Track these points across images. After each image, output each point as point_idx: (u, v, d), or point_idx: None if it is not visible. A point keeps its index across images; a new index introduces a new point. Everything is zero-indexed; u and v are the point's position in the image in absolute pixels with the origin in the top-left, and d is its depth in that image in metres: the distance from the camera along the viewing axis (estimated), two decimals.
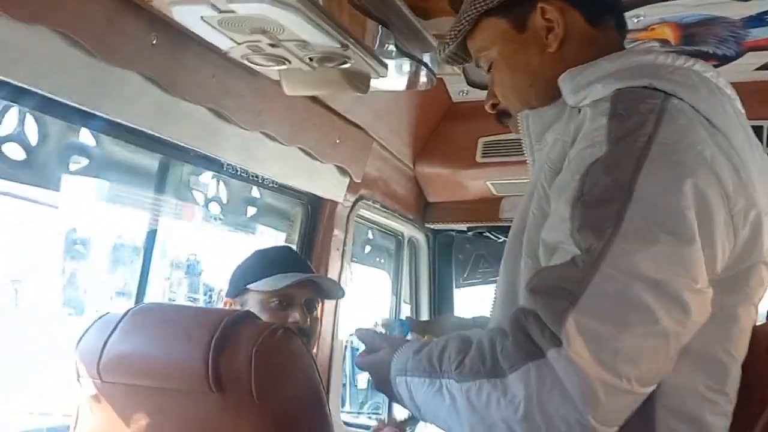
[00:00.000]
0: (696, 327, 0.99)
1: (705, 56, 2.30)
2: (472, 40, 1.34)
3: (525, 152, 1.33)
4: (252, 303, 1.85)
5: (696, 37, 2.22)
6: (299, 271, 1.91)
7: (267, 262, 1.91)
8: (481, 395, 1.01)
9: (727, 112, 1.11)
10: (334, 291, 2.01)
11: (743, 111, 1.18)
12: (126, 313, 1.34)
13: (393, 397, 1.20)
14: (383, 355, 1.22)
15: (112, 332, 1.30)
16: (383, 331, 1.58)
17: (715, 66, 2.29)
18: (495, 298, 1.27)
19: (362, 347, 1.32)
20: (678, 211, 0.96)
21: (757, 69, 2.36)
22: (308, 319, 1.89)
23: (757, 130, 2.34)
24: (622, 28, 1.30)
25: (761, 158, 1.15)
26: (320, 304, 1.99)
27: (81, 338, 1.32)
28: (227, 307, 1.87)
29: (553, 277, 0.99)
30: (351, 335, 2.78)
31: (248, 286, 1.86)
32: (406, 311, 3.54)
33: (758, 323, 1.20)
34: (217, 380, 1.18)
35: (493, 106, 1.37)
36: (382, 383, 1.21)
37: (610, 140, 1.02)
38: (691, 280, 0.96)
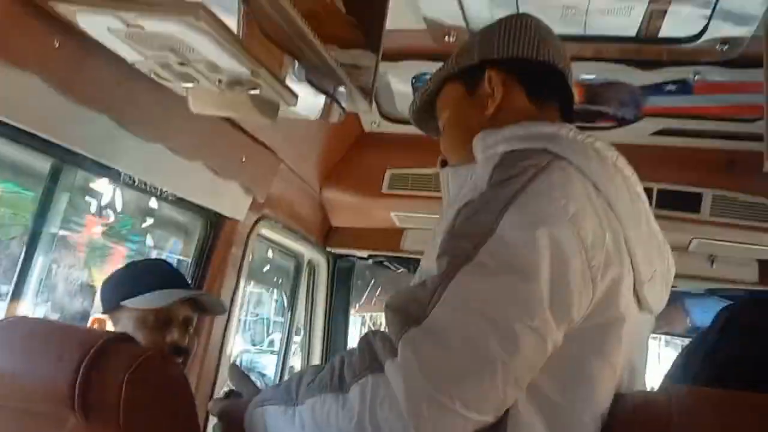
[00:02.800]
0: (530, 365, 1.02)
1: (605, 117, 2.40)
2: (437, 103, 1.46)
3: (443, 203, 1.41)
4: (126, 321, 1.74)
5: (598, 98, 2.32)
6: (177, 286, 1.83)
7: (141, 276, 1.80)
8: (324, 408, 1.06)
9: (615, 182, 1.17)
10: (215, 308, 1.96)
11: (639, 191, 1.25)
12: None
13: None
14: (244, 400, 1.27)
15: None
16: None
17: (614, 127, 2.43)
18: None
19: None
20: (524, 252, 1.03)
21: (653, 134, 2.47)
22: (186, 337, 1.82)
23: (647, 192, 2.42)
24: (568, 116, 1.38)
25: (648, 232, 1.23)
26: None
27: None
28: (95, 326, 1.74)
29: (405, 296, 1.07)
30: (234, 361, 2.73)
31: (122, 303, 1.74)
32: (299, 332, 3.52)
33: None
34: (84, 405, 1.14)
35: (442, 162, 1.44)
36: (233, 424, 1.25)
37: (489, 184, 1.10)
38: (526, 316, 1.01)
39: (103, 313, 1.77)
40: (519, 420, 1.04)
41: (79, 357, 1.15)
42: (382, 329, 1.09)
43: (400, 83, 2.56)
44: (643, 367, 1.29)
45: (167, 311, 1.77)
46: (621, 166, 1.22)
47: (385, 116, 2.80)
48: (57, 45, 1.42)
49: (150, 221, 2.41)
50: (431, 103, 1.48)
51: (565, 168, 1.12)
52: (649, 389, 1.26)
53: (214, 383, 2.51)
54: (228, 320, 2.55)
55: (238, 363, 6.27)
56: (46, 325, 1.29)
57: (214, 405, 1.36)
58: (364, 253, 3.39)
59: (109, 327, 1.75)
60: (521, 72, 1.35)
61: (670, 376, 1.26)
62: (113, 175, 1.94)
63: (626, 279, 1.13)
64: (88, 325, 1.76)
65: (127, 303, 1.74)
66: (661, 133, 2.47)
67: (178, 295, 1.76)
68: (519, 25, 1.38)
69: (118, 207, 2.19)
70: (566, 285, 1.04)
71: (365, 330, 3.60)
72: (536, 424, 1.05)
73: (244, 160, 2.30)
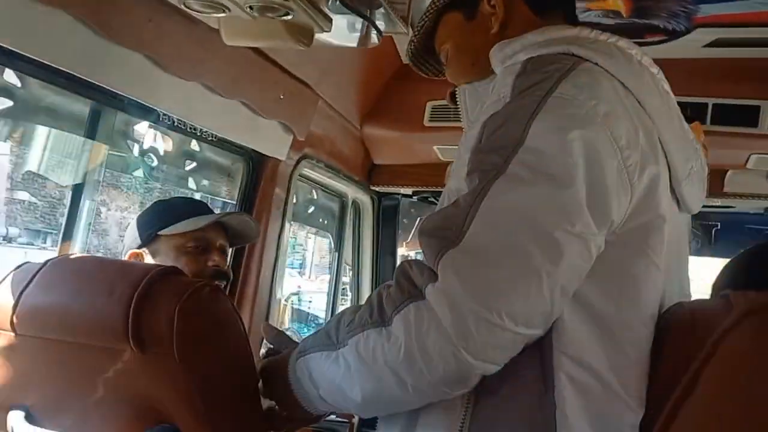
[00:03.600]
0: (575, 272, 1.01)
1: (655, 30, 2.29)
2: (436, 38, 1.43)
3: (463, 124, 1.37)
4: (166, 249, 1.77)
5: (647, 10, 2.21)
6: (203, 212, 1.85)
7: (172, 210, 1.82)
8: (368, 344, 1.04)
9: (643, 80, 1.15)
10: (249, 233, 1.96)
11: (667, 89, 1.22)
12: (45, 264, 1.28)
13: (284, 396, 1.20)
14: (282, 355, 1.24)
15: (29, 283, 1.24)
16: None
17: (665, 41, 2.32)
18: None
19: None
20: (559, 157, 1.00)
21: (706, 46, 2.36)
22: (226, 263, 1.86)
23: (702, 107, 2.35)
24: (573, 22, 1.32)
25: (681, 128, 1.21)
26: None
27: None
28: (134, 260, 1.76)
29: (438, 219, 1.04)
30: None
31: (160, 233, 1.77)
32: (347, 274, 3.53)
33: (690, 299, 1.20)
34: (138, 338, 1.14)
35: (451, 94, 1.40)
36: (275, 381, 1.22)
37: (512, 95, 1.06)
38: (567, 222, 0.98)
39: (140, 247, 1.78)
40: (566, 330, 1.03)
41: (130, 290, 1.15)
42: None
43: None
44: (686, 267, 1.28)
45: (205, 237, 1.79)
46: (647, 63, 1.19)
47: None
48: None
49: (192, 165, 2.39)
50: (429, 42, 1.45)
51: (590, 69, 1.08)
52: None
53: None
54: (275, 260, 2.56)
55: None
56: (95, 261, 1.30)
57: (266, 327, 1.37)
58: (409, 190, 3.37)
59: (148, 260, 1.76)
60: None
61: (718, 285, 1.27)
62: (153, 117, 1.93)
63: (663, 177, 1.10)
64: (125, 258, 1.77)
65: (164, 231, 1.77)
66: (714, 44, 2.34)
67: (214, 217, 1.79)
68: None
69: (161, 150, 2.17)
70: (604, 187, 1.01)
71: None
72: (584, 333, 1.03)
73: (282, 97, 2.27)
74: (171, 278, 1.21)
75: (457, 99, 1.37)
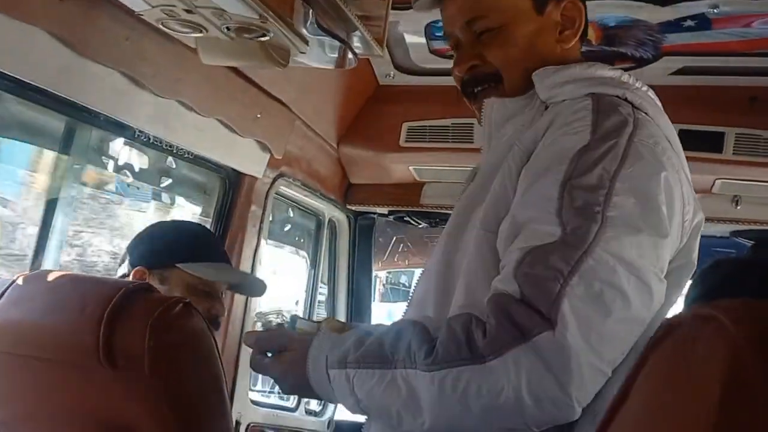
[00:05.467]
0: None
1: (623, 57, 2.35)
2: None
3: (482, 137, 1.35)
4: (176, 282, 1.74)
5: (616, 39, 2.27)
6: (222, 258, 1.86)
7: (192, 243, 1.81)
8: (459, 383, 1.00)
9: (672, 128, 1.21)
10: (255, 292, 1.97)
11: None
12: (16, 280, 1.28)
13: (317, 395, 1.17)
14: (295, 354, 1.18)
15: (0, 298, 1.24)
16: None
17: (633, 68, 2.38)
18: (422, 274, 1.30)
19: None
20: (657, 204, 1.04)
21: (672, 73, 2.42)
22: (224, 309, 1.87)
23: None
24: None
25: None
26: None
27: None
28: (136, 279, 1.72)
29: (543, 259, 1.00)
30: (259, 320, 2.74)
31: (178, 265, 1.74)
32: (323, 292, 3.53)
33: None
34: (109, 354, 1.14)
35: (471, 68, 1.31)
36: (299, 383, 1.17)
37: (595, 132, 1.08)
38: (660, 269, 1.04)
39: (150, 267, 1.75)
40: None
41: (101, 307, 1.15)
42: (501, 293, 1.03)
43: (413, 33, 2.52)
44: None
45: (215, 285, 1.79)
46: (658, 103, 1.25)
47: (398, 68, 2.76)
48: None
49: (168, 181, 2.40)
50: None
51: (649, 120, 1.13)
52: None
53: (239, 344, 2.53)
54: None
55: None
56: (69, 277, 1.29)
57: (248, 336, 1.31)
58: (385, 210, 3.38)
59: (153, 282, 1.70)
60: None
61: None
62: (129, 134, 1.94)
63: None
64: (131, 276, 1.74)
65: (187, 268, 1.74)
66: (680, 72, 2.41)
67: (240, 276, 1.78)
68: None
69: (136, 167, 2.18)
70: (676, 228, 1.09)
71: (381, 287, 3.60)
72: None
73: (259, 116, 2.28)
74: (143, 295, 1.21)
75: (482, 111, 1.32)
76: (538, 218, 1.04)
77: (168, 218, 2.51)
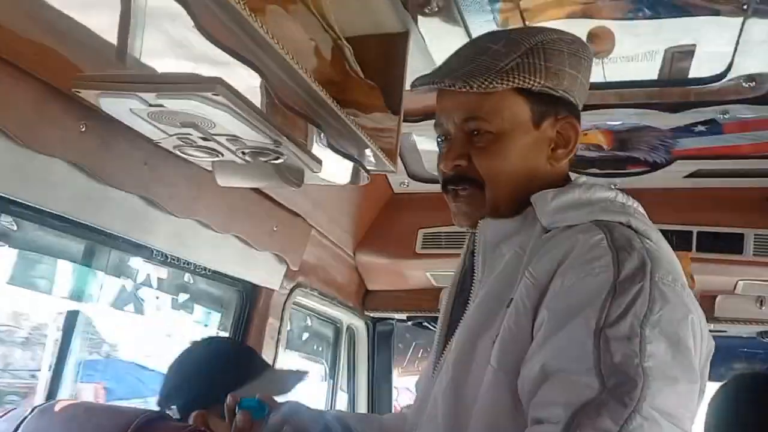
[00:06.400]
0: None
1: (636, 162, 2.37)
2: (479, 98, 1.22)
3: (475, 258, 1.29)
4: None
5: (628, 143, 2.29)
6: (264, 365, 1.84)
7: (239, 369, 1.68)
8: None
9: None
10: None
11: None
12: (32, 411, 1.27)
13: None
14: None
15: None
16: None
17: (646, 172, 2.40)
18: (423, 389, 1.28)
19: None
20: (687, 349, 1.03)
21: (687, 176, 2.43)
22: None
23: (687, 235, 2.39)
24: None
25: None
26: None
27: None
28: (198, 426, 1.41)
29: (590, 422, 0.96)
30: None
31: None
32: (343, 400, 3.46)
33: None
34: None
35: (456, 167, 1.27)
36: None
37: (618, 274, 1.05)
38: (694, 414, 1.04)
39: (207, 408, 1.48)
40: None
41: None
42: None
43: (425, 142, 2.57)
44: None
45: None
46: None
47: (413, 176, 2.80)
48: (83, 129, 1.45)
49: (186, 297, 2.40)
50: (468, 96, 1.22)
51: (657, 250, 1.11)
52: None
53: None
54: None
55: None
56: (84, 407, 1.28)
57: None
58: (403, 315, 3.36)
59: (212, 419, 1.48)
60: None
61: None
62: (147, 252, 1.95)
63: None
64: (191, 420, 1.44)
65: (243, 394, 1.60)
66: (694, 174, 2.43)
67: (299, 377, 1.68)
68: (587, 62, 1.29)
69: (154, 284, 2.19)
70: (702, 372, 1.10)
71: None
72: None
73: (275, 229, 2.31)
74: (158, 424, 1.20)
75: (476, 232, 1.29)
76: (573, 369, 1.00)
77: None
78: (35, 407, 1.28)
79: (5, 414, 1.28)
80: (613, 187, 1.26)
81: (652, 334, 1.00)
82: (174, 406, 1.58)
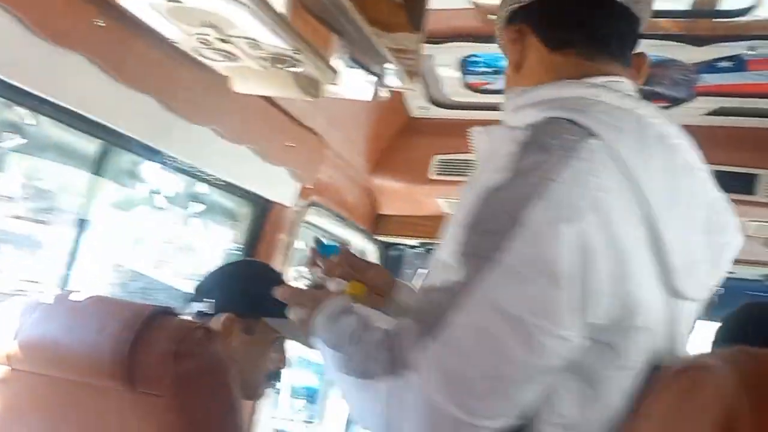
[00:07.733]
0: (551, 372, 0.97)
1: (657, 97, 2.33)
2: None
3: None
4: (261, 334, 1.66)
5: (650, 78, 2.25)
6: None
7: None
8: (360, 391, 1.03)
9: (653, 160, 1.03)
10: None
11: (690, 161, 1.11)
12: (44, 299, 1.30)
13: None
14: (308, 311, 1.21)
15: (27, 318, 1.26)
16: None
17: (666, 107, 2.36)
18: None
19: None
20: (554, 253, 0.94)
21: (707, 114, 2.39)
22: None
23: None
24: (593, 56, 1.19)
25: (689, 212, 1.09)
26: None
27: None
28: (227, 323, 1.62)
29: (428, 301, 1.00)
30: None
31: (265, 318, 1.65)
32: None
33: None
34: (130, 377, 1.15)
35: None
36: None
37: (513, 170, 0.99)
38: (553, 325, 0.94)
39: (239, 315, 1.64)
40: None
41: (125, 331, 1.16)
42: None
43: (447, 67, 2.54)
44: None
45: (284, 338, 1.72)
46: (667, 133, 1.08)
47: (433, 101, 2.78)
48: (103, 24, 1.44)
49: (199, 207, 2.42)
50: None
51: (594, 150, 0.99)
52: None
53: None
54: None
55: None
56: (95, 299, 1.31)
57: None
58: (414, 241, 3.37)
59: (238, 332, 1.65)
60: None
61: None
62: (161, 158, 1.96)
63: (651, 277, 1.03)
64: (221, 320, 1.62)
65: (274, 324, 1.66)
66: (715, 113, 2.39)
67: None
68: None
69: (167, 192, 2.20)
70: (591, 290, 0.96)
71: None
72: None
73: (290, 144, 2.30)
74: (165, 319, 1.22)
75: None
76: (450, 262, 0.99)
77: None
78: (50, 295, 1.31)
79: (19, 301, 1.31)
80: (614, 83, 1.15)
81: (516, 229, 0.95)
82: (213, 300, 1.66)
